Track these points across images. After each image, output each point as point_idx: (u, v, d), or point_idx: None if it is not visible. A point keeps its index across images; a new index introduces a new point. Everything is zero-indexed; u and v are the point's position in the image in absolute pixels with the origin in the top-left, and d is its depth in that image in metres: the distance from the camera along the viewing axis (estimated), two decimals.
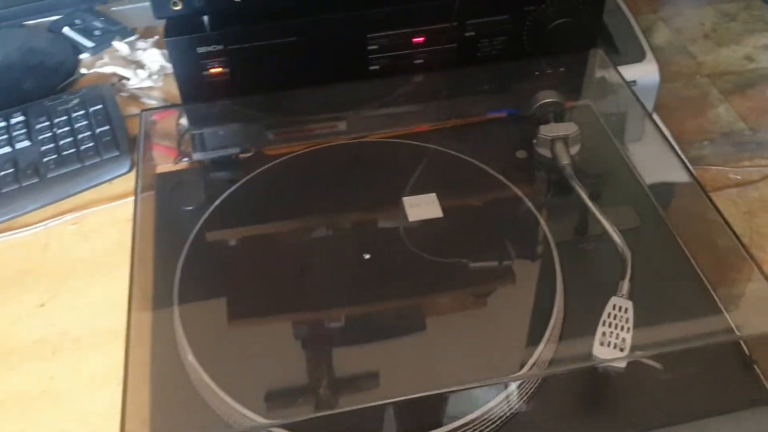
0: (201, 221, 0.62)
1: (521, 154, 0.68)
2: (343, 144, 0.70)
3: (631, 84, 1.23)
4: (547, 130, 0.63)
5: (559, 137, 0.63)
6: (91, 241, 0.73)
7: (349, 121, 0.75)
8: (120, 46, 0.88)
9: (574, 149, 0.63)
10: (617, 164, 0.68)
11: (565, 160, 0.61)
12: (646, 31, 2.10)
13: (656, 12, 2.13)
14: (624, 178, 0.67)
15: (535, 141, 0.64)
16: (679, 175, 1.27)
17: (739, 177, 1.73)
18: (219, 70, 0.72)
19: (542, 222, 0.60)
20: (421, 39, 0.73)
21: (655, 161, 1.27)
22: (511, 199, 0.63)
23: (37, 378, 0.62)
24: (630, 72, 1.19)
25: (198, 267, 0.58)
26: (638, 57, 1.20)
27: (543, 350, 0.49)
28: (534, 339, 0.50)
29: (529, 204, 0.62)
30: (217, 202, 0.63)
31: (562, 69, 0.78)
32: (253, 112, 0.77)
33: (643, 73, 1.19)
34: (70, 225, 0.74)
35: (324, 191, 0.65)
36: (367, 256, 0.58)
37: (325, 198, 0.64)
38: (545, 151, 0.63)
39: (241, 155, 0.74)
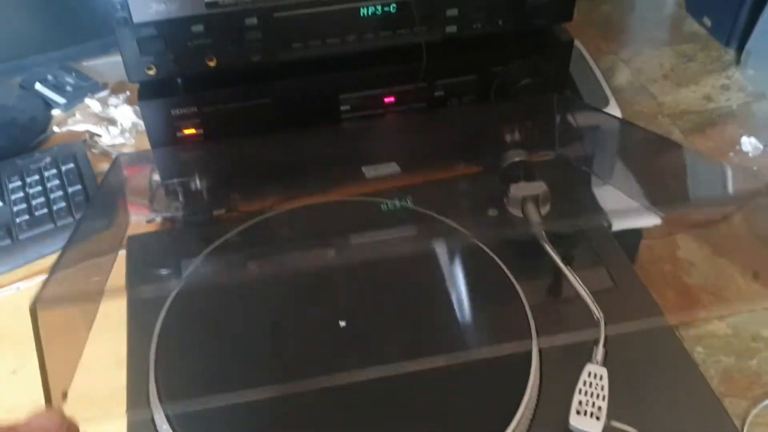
0: (173, 294, 0.61)
1: (493, 212, 0.69)
2: (315, 204, 0.70)
3: (594, 129, 1.27)
4: (517, 190, 0.65)
5: (529, 197, 0.64)
6: None
7: (320, 178, 0.76)
8: (92, 103, 0.88)
9: (545, 209, 0.65)
10: (591, 219, 0.69)
11: (535, 220, 0.63)
12: (608, 71, 2.15)
13: (616, 53, 2.18)
14: (598, 237, 0.68)
15: (505, 200, 0.66)
16: (650, 220, 1.30)
17: (702, 217, 1.77)
18: (192, 131, 0.73)
19: (516, 285, 0.61)
20: (392, 99, 0.75)
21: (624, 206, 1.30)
22: (484, 261, 0.64)
23: None
24: (594, 118, 1.23)
25: (172, 340, 0.58)
26: (602, 103, 1.24)
27: (520, 420, 0.50)
28: (510, 409, 0.50)
29: (503, 266, 0.63)
30: (188, 271, 0.63)
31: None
32: (227, 165, 0.78)
33: (607, 118, 1.23)
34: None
35: (295, 254, 0.65)
36: (342, 323, 0.58)
37: (297, 261, 0.64)
38: (516, 211, 0.65)
39: (216, 213, 0.75)
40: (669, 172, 0.81)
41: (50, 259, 0.75)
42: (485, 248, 0.64)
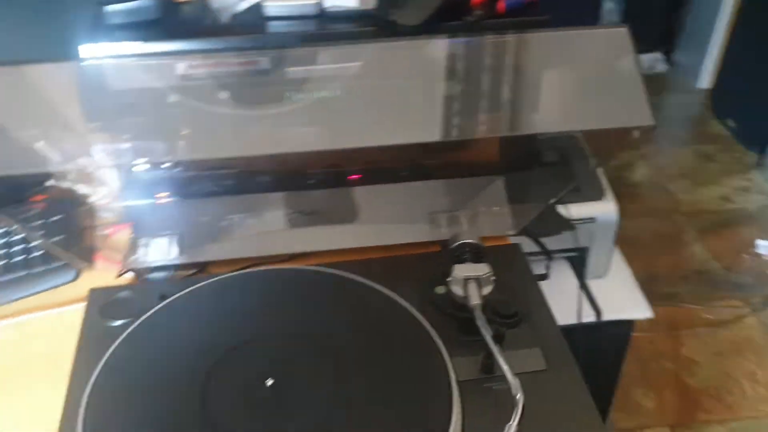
0: (119, 339, 0.64)
1: (440, 289, 0.71)
2: (265, 270, 0.73)
3: (589, 221, 1.28)
4: (461, 270, 0.66)
5: (471, 278, 0.66)
6: (28, 348, 0.75)
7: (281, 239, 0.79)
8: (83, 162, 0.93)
9: (486, 290, 0.66)
10: (535, 306, 0.70)
11: (474, 300, 0.64)
12: (627, 166, 2.17)
13: (637, 149, 2.20)
14: (540, 320, 0.69)
15: (449, 279, 0.67)
16: (642, 313, 1.29)
17: (711, 317, 1.74)
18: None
19: (446, 358, 0.62)
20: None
21: (616, 297, 1.30)
22: (420, 333, 0.65)
23: None
24: (589, 209, 1.24)
25: (106, 394, 0.60)
26: (597, 195, 1.25)
27: None
28: None
29: (437, 339, 0.64)
30: (121, 338, 0.65)
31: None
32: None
33: (602, 211, 1.24)
34: (10, 329, 0.77)
35: (234, 321, 0.67)
36: (269, 382, 0.60)
37: (234, 328, 0.66)
38: (458, 290, 0.66)
39: (181, 272, 0.78)
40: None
41: (22, 303, 0.79)
42: (425, 323, 0.66)
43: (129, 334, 0.66)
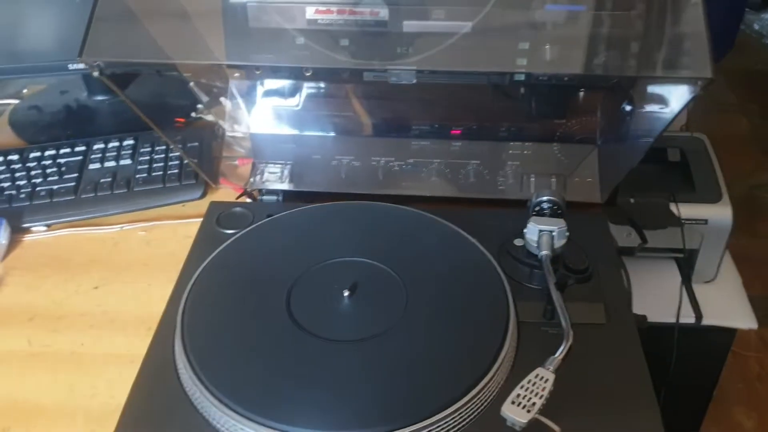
0: (224, 244, 0.73)
1: (518, 241, 0.75)
2: (361, 204, 0.80)
3: (701, 222, 1.25)
4: (537, 222, 0.70)
5: (546, 230, 0.69)
6: (152, 248, 0.86)
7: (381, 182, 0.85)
8: (225, 102, 1.04)
9: (559, 243, 0.69)
10: (609, 269, 0.72)
11: (543, 251, 0.67)
12: (765, 186, 2.07)
13: None
14: (610, 281, 0.71)
15: (525, 230, 0.71)
16: (746, 323, 1.25)
17: None
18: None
19: (510, 298, 0.67)
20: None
21: (721, 304, 1.26)
22: (490, 275, 0.69)
23: (71, 342, 0.74)
24: (702, 211, 1.21)
25: (206, 286, 0.70)
26: (714, 198, 1.22)
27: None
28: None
29: (504, 281, 0.68)
30: (230, 241, 0.74)
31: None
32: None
33: (716, 213, 1.21)
34: (140, 231, 0.88)
35: (326, 242, 0.74)
36: (346, 293, 0.66)
37: (325, 248, 0.73)
38: (532, 240, 0.70)
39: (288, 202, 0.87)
40: None
41: (152, 212, 0.90)
42: (498, 267, 0.70)
43: (234, 240, 0.75)
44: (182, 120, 0.96)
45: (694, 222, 1.20)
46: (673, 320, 1.19)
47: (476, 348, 0.62)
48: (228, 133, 1.02)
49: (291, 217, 0.78)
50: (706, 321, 1.21)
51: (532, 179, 0.82)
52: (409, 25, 0.76)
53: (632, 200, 1.00)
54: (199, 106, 1.09)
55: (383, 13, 0.76)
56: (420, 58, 0.74)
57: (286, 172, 0.86)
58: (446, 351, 0.62)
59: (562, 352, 0.58)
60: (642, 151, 0.76)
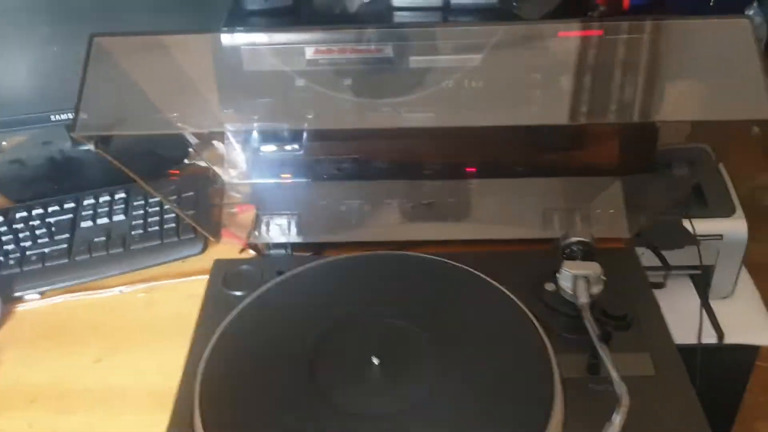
0: (238, 308, 0.68)
1: (550, 286, 0.70)
2: (380, 254, 0.75)
3: (716, 237, 1.22)
4: (571, 267, 0.66)
5: (581, 275, 0.65)
6: (155, 310, 0.81)
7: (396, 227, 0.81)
8: (218, 145, 0.99)
9: (596, 289, 0.65)
10: (648, 311, 0.68)
11: (583, 298, 0.63)
12: (764, 188, 2.04)
13: None
14: (651, 326, 0.67)
15: (558, 275, 0.67)
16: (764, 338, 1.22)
17: None
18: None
19: (551, 354, 0.62)
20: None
21: (741, 320, 1.23)
22: (526, 327, 0.65)
23: (78, 424, 0.69)
24: (717, 226, 1.18)
25: (223, 357, 0.64)
26: (727, 212, 1.19)
27: None
28: None
29: (543, 334, 0.64)
30: (242, 305, 0.69)
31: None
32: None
33: (731, 227, 1.18)
34: (140, 293, 0.83)
35: (346, 299, 0.70)
36: (375, 361, 0.62)
37: (345, 306, 0.69)
38: (567, 287, 0.66)
39: (296, 252, 0.82)
40: None
41: (153, 271, 0.85)
42: (532, 318, 0.66)
43: (248, 303, 0.70)
44: (176, 172, 0.91)
45: (709, 238, 1.17)
46: (693, 341, 1.16)
47: (521, 417, 0.57)
48: (224, 180, 0.97)
49: (305, 275, 0.73)
50: (728, 339, 1.17)
51: (555, 216, 0.78)
52: (416, 61, 0.72)
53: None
54: (190, 150, 1.04)
55: (387, 49, 0.72)
56: (429, 93, 0.70)
57: (293, 223, 0.81)
58: (489, 422, 0.58)
59: (620, 420, 0.54)
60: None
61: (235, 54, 0.74)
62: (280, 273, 0.74)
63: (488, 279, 0.70)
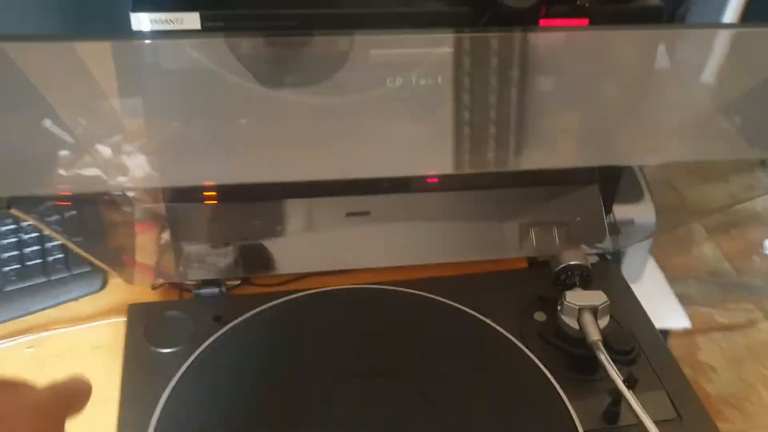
0: (178, 374, 0.53)
1: (540, 316, 0.62)
2: (337, 290, 0.63)
3: (628, 223, 1.20)
4: (574, 298, 0.57)
5: (587, 307, 0.57)
6: (48, 370, 0.64)
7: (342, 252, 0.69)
8: (103, 149, 0.81)
9: (603, 321, 0.57)
10: (648, 337, 0.62)
11: (594, 336, 0.55)
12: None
13: None
14: (657, 355, 0.60)
15: (559, 308, 0.58)
16: (678, 322, 1.22)
17: (725, 320, 1.69)
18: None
19: (569, 406, 0.54)
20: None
21: (652, 304, 1.22)
22: (532, 373, 0.56)
23: None
24: (627, 211, 1.16)
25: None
26: (636, 197, 1.18)
27: None
28: None
29: (554, 382, 0.55)
30: (194, 355, 0.55)
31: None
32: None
33: (640, 212, 1.17)
34: (26, 348, 0.65)
35: (309, 349, 0.58)
36: None
37: (310, 358, 0.56)
38: (571, 321, 0.57)
39: (229, 283, 0.67)
40: None
41: (41, 316, 0.67)
42: (535, 359, 0.57)
43: (189, 367, 0.55)
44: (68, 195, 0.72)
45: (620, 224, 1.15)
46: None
47: None
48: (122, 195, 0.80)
49: (253, 324, 0.59)
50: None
51: (532, 232, 0.69)
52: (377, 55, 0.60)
53: None
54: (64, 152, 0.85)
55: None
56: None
57: (225, 255, 0.66)
58: None
59: None
60: None
61: (140, 50, 0.58)
62: (218, 319, 0.60)
63: (472, 312, 0.61)
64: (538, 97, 0.56)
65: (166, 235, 0.70)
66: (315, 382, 0.54)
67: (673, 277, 1.75)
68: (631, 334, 0.59)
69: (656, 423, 0.53)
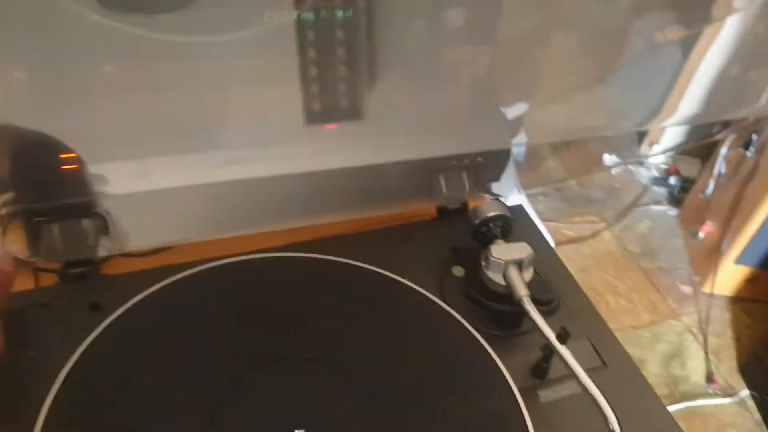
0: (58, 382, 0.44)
1: (458, 271, 0.58)
2: (236, 262, 0.55)
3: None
4: (500, 253, 0.54)
5: (513, 261, 0.54)
6: None
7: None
8: None
9: (527, 274, 0.54)
10: (565, 283, 0.60)
11: (522, 291, 0.52)
12: None
13: None
14: (575, 302, 0.59)
15: (483, 263, 0.55)
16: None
17: (572, 233, 1.78)
18: None
19: (501, 365, 0.51)
20: None
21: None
22: (459, 334, 0.52)
23: None
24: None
25: None
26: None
27: None
28: None
29: (482, 341, 0.52)
30: (75, 356, 0.46)
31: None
32: None
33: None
34: None
35: (221, 329, 0.50)
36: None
37: (219, 341, 0.49)
38: (496, 277, 0.54)
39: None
40: None
41: None
42: (460, 318, 0.53)
43: (70, 372, 0.46)
44: None
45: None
46: None
47: None
48: None
49: (139, 310, 0.50)
50: None
51: (441, 177, 0.64)
52: None
53: None
54: None
55: None
56: None
57: (88, 225, 0.56)
58: None
59: None
60: None
61: None
62: (95, 307, 0.51)
63: (389, 274, 0.56)
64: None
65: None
66: (223, 374, 0.47)
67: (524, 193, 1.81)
68: (549, 282, 0.57)
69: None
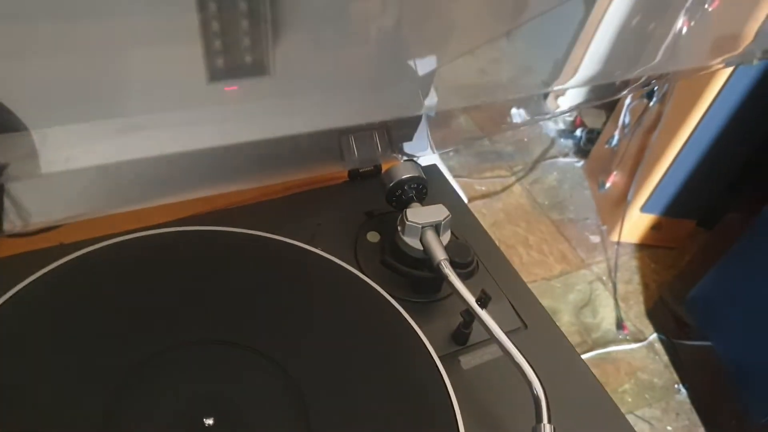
0: None
1: (373, 236, 0.56)
2: (128, 240, 0.50)
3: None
4: (416, 217, 0.51)
5: (430, 224, 0.51)
6: None
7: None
8: None
9: (445, 237, 0.52)
10: (483, 245, 0.59)
11: (441, 255, 0.50)
12: None
13: None
14: (493, 263, 0.58)
15: (399, 228, 0.52)
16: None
17: (483, 188, 1.79)
18: None
19: (420, 333, 0.49)
20: None
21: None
22: (377, 303, 0.50)
23: None
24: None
25: None
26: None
27: None
28: None
29: (401, 310, 0.50)
30: None
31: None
32: None
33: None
34: None
35: (115, 315, 0.46)
36: (209, 421, 0.41)
37: (124, 327, 0.45)
38: (413, 242, 0.52)
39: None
40: None
41: None
42: (378, 288, 0.51)
43: None
44: None
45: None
46: None
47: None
48: None
49: (31, 294, 0.45)
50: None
51: (351, 138, 0.61)
52: None
53: None
54: None
55: None
56: None
57: None
58: None
59: (546, 417, 0.44)
60: None
61: None
62: None
63: (300, 244, 0.53)
64: None
65: None
66: (119, 366, 0.43)
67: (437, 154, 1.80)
68: (467, 243, 0.55)
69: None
